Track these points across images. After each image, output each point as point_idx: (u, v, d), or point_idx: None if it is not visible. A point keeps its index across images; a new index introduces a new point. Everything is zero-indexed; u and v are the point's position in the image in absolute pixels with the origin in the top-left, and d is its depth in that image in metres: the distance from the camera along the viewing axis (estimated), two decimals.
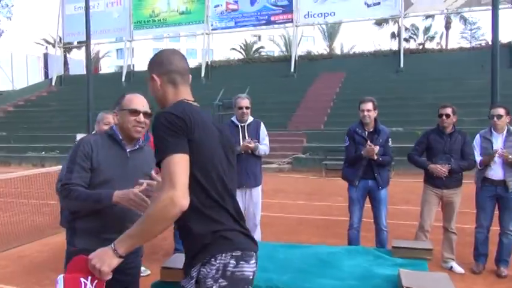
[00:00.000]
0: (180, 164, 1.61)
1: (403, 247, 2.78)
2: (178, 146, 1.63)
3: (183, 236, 1.80)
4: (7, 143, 19.04)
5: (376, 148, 4.34)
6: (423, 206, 4.68)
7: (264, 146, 4.74)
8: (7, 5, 27.41)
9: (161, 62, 1.84)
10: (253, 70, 23.39)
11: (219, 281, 1.66)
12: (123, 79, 24.20)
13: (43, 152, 17.08)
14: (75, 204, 2.21)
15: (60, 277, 1.75)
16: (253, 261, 1.76)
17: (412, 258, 2.69)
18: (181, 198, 1.58)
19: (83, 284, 1.72)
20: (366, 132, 4.54)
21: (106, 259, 1.66)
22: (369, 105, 4.47)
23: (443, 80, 18.42)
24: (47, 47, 33.72)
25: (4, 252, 5.45)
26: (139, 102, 2.35)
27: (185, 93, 1.85)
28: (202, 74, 23.66)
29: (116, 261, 1.67)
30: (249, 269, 1.73)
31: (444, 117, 4.52)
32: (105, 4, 24.79)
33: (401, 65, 20.66)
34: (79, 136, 8.27)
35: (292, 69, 22.20)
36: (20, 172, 7.39)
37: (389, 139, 4.61)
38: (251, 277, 1.75)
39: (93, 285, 1.73)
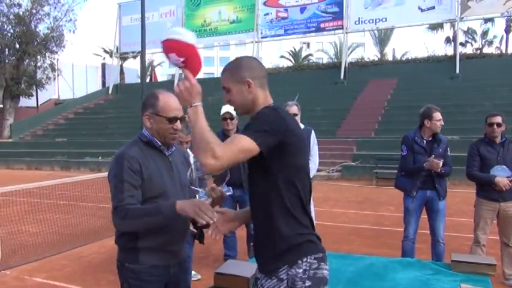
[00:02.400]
0: (244, 151, 1.65)
1: (464, 261, 2.65)
2: (262, 138, 1.66)
3: (265, 233, 1.81)
4: (67, 148, 20.08)
5: (441, 162, 4.17)
6: (478, 221, 4.42)
7: (312, 164, 4.56)
8: (70, 19, 28.86)
9: (252, 67, 1.84)
10: (303, 77, 23.28)
11: (306, 282, 1.75)
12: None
13: (99, 158, 17.81)
14: (135, 222, 1.99)
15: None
16: (327, 262, 1.86)
17: (473, 274, 2.56)
18: (215, 167, 1.61)
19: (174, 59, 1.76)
20: (425, 141, 4.39)
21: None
22: (440, 114, 4.33)
23: (503, 86, 17.49)
24: (104, 57, 35.31)
25: (65, 253, 5.74)
26: (176, 107, 2.13)
27: (271, 99, 1.88)
28: None
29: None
30: (326, 269, 1.83)
31: (495, 126, 4.31)
32: (159, 15, 25.71)
33: (457, 71, 19.80)
34: None
35: (342, 76, 21.90)
36: (80, 177, 7.78)
37: (448, 148, 4.44)
38: (327, 277, 1.84)
39: (180, 62, 1.75)
